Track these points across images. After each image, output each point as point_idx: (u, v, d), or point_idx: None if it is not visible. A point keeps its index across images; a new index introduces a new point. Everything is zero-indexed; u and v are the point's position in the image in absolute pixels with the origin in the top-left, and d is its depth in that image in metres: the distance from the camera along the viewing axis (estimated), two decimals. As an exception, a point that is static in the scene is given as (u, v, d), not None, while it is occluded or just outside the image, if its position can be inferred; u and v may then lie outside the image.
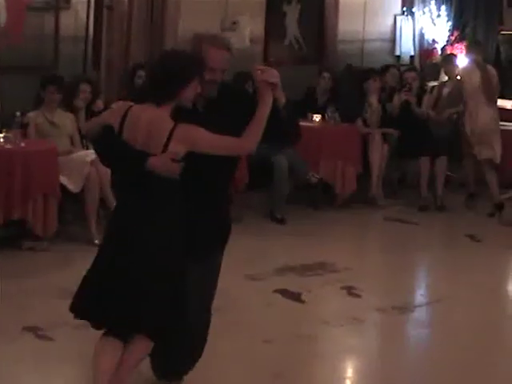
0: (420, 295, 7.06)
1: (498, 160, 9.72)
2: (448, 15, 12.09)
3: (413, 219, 9.33)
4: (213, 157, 4.12)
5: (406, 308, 6.62)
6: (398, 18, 12.01)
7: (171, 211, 4.22)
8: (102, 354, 4.23)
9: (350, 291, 6.87)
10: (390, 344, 6.09)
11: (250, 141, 4.16)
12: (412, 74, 10.48)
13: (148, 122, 4.12)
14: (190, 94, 4.14)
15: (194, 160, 4.10)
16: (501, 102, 11.42)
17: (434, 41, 12.06)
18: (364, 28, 11.38)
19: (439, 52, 12.04)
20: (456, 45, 12.00)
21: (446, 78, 10.97)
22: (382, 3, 11.86)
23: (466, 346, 5.95)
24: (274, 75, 4.18)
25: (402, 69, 11.05)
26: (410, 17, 12.06)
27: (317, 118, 9.63)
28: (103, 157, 4.42)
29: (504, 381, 5.45)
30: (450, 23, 12.09)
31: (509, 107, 11.53)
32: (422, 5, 12.04)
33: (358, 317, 6.36)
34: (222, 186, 4.58)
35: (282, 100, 4.27)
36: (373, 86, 9.96)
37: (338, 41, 11.08)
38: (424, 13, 12.03)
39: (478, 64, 9.92)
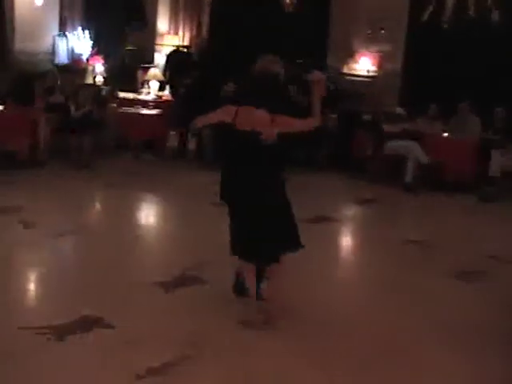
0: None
1: None
2: (90, 37, 12.51)
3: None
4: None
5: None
6: (57, 38, 12.26)
7: (277, 174, 4.81)
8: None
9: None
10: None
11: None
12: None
13: (258, 117, 4.71)
14: None
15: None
16: (125, 94, 11.76)
17: (80, 54, 12.44)
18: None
19: (85, 61, 12.46)
20: (95, 56, 12.52)
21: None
22: (45, 27, 12.06)
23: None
24: (319, 76, 4.79)
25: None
26: (64, 37, 12.34)
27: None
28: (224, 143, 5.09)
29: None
30: (91, 42, 12.53)
31: (131, 97, 11.92)
32: (72, 29, 12.41)
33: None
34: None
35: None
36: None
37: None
38: (74, 35, 12.39)
39: None
